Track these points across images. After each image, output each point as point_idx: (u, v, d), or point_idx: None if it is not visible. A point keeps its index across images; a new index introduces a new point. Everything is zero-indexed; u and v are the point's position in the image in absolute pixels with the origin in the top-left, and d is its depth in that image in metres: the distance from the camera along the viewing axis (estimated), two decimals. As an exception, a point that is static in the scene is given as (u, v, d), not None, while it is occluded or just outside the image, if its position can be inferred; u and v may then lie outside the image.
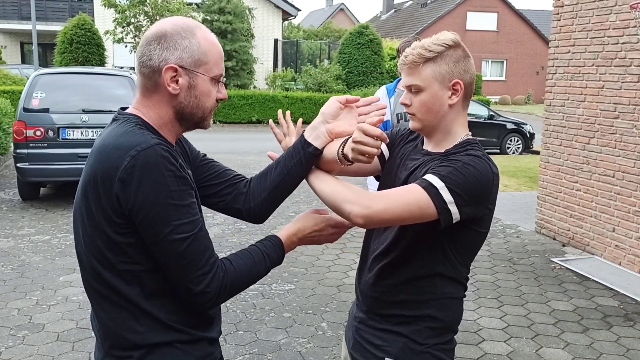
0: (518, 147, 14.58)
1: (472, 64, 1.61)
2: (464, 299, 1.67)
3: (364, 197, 1.47)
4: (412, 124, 1.63)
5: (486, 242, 6.19)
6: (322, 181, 1.58)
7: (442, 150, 1.60)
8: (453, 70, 1.56)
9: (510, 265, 5.45)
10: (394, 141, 1.78)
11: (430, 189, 1.45)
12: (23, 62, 27.45)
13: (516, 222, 7.08)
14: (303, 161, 1.59)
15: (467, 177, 1.46)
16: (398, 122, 3.69)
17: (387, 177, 1.72)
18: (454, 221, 1.47)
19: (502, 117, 15.05)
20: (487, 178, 1.49)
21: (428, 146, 1.66)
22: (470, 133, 1.64)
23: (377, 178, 1.82)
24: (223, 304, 4.09)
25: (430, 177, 1.47)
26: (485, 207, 1.52)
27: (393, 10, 43.24)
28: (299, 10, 29.03)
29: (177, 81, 1.38)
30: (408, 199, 1.45)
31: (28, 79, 18.50)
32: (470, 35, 34.46)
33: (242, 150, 13.07)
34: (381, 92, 3.76)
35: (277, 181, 1.59)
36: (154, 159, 1.28)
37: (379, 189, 1.71)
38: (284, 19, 29.05)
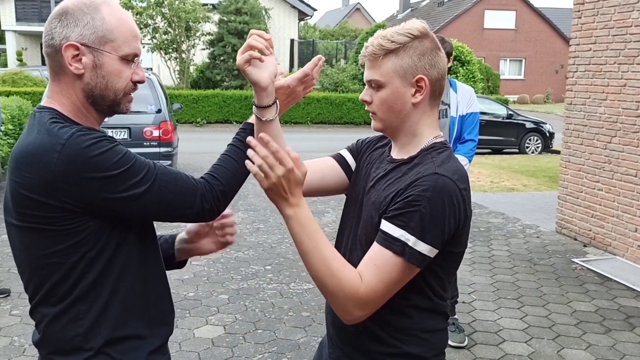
0: (537, 147, 14.44)
1: (442, 58, 1.42)
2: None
3: (359, 301, 1.32)
4: (373, 124, 1.48)
5: (505, 243, 6.14)
6: (316, 255, 1.33)
7: (406, 157, 1.45)
8: (417, 64, 1.38)
9: (531, 266, 5.39)
10: (360, 149, 1.64)
11: (406, 251, 1.30)
12: (43, 63, 27.76)
13: (536, 222, 7.01)
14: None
15: (435, 213, 1.31)
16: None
17: (354, 189, 1.58)
18: (432, 257, 1.34)
19: (521, 116, 14.92)
20: (453, 200, 1.33)
21: (394, 152, 1.50)
22: (440, 134, 1.48)
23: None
24: (242, 303, 4.05)
25: (398, 232, 1.31)
26: (459, 227, 1.37)
27: (410, 10, 43.06)
28: (315, 10, 29.06)
29: (80, 60, 1.29)
30: (393, 276, 1.32)
31: (48, 80, 18.81)
32: (488, 34, 34.23)
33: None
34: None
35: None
36: (79, 144, 1.23)
37: (346, 202, 1.60)
38: (300, 19, 29.09)
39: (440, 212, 1.31)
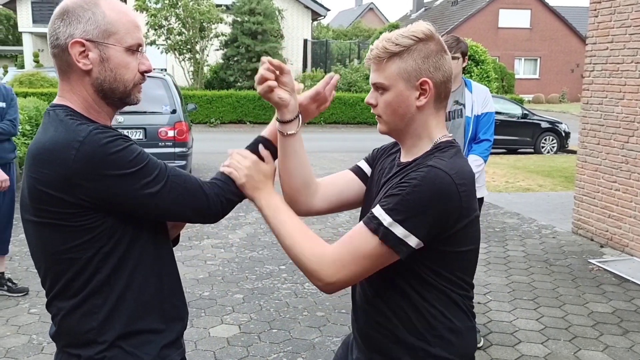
0: (553, 147, 14.32)
1: (447, 60, 1.41)
2: (478, 302, 1.58)
3: (324, 264, 1.35)
4: (378, 127, 1.48)
5: (521, 243, 6.10)
6: (284, 232, 1.43)
7: (411, 159, 1.44)
8: (421, 67, 1.37)
9: (547, 267, 5.35)
10: (375, 157, 1.65)
11: (381, 230, 1.30)
12: (59, 65, 28.08)
13: (552, 223, 6.95)
14: None
15: (418, 200, 1.29)
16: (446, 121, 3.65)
17: (368, 196, 1.59)
18: (416, 248, 1.32)
19: (537, 115, 14.80)
20: (444, 192, 1.30)
21: (402, 156, 1.50)
22: (448, 134, 1.47)
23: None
24: (257, 303, 4.05)
25: (378, 212, 1.32)
26: (450, 223, 1.33)
27: (423, 9, 42.90)
28: (328, 10, 29.04)
29: (87, 56, 1.31)
30: (362, 252, 1.33)
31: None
32: (502, 33, 34.00)
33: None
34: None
35: None
36: (98, 141, 1.26)
37: (362, 207, 1.61)
38: (313, 19, 29.09)
39: (425, 201, 1.29)
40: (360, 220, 1.51)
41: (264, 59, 1.43)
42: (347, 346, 1.67)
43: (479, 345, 3.69)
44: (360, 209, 1.66)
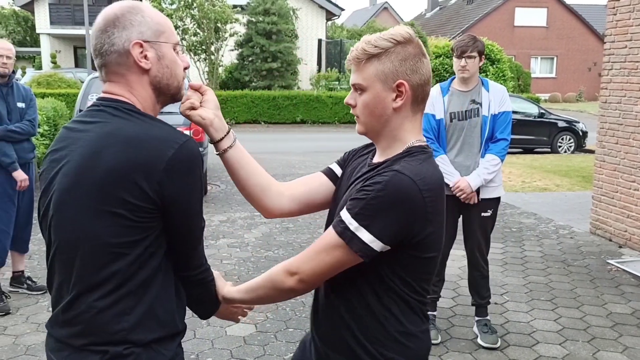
0: (570, 146, 14.17)
1: (425, 64, 1.43)
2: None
3: (290, 260, 1.43)
4: (357, 127, 1.50)
5: (538, 244, 6.05)
6: (259, 286, 1.52)
7: (382, 160, 1.46)
8: (398, 69, 1.39)
9: (564, 267, 5.30)
10: (346, 159, 1.68)
11: (346, 234, 1.34)
12: (76, 65, 28.41)
13: (569, 223, 6.88)
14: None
15: (381, 205, 1.31)
16: (451, 121, 3.64)
17: (336, 195, 1.62)
18: (379, 251, 1.34)
19: (553, 115, 14.65)
20: (407, 198, 1.32)
21: (376, 156, 1.52)
22: (424, 140, 1.47)
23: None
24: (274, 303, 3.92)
25: (345, 216, 1.35)
26: (416, 229, 1.35)
27: (438, 8, 42.71)
28: (342, 9, 29.03)
29: (145, 56, 1.40)
30: (328, 255, 1.37)
31: (81, 81, 19.12)
32: (518, 32, 33.75)
33: (286, 150, 13.16)
34: (435, 90, 3.72)
35: None
36: (194, 152, 1.36)
37: (330, 207, 1.63)
38: (327, 19, 29.10)
39: (388, 206, 1.32)
40: (328, 217, 1.61)
41: (189, 84, 1.54)
42: (304, 345, 1.68)
43: (496, 346, 3.67)
44: None
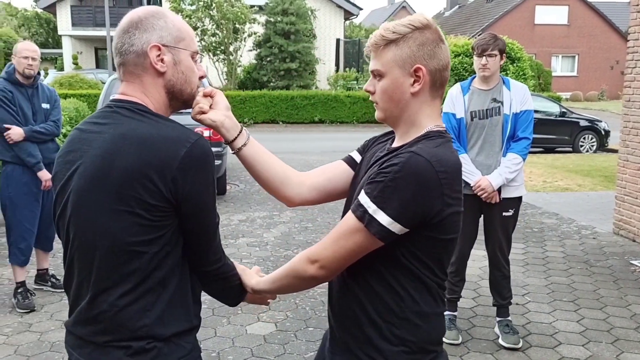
0: (592, 145, 13.98)
1: (444, 50, 1.44)
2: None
3: (311, 248, 1.45)
4: (376, 114, 1.52)
5: (560, 244, 5.98)
6: (283, 276, 1.54)
7: (400, 145, 1.47)
8: (416, 54, 1.41)
9: (587, 268, 5.24)
10: (366, 146, 1.69)
11: (365, 217, 1.35)
12: (97, 66, 28.77)
13: (592, 223, 6.80)
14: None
15: (399, 187, 1.32)
16: (472, 120, 3.62)
17: (355, 180, 1.63)
18: (399, 234, 1.35)
19: (575, 113, 14.47)
20: (424, 179, 1.32)
21: (395, 142, 1.53)
22: (442, 125, 1.48)
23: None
24: (292, 301, 4.08)
25: (363, 199, 1.36)
26: (434, 209, 1.35)
27: (457, 6, 42.42)
28: (360, 9, 29.00)
29: (162, 59, 1.43)
30: (348, 240, 1.38)
31: (102, 82, 19.33)
32: (539, 30, 33.39)
33: (305, 150, 13.19)
34: (455, 89, 3.70)
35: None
36: (206, 150, 1.39)
37: (349, 191, 1.63)
38: (345, 19, 29.09)
39: (405, 187, 1.32)
40: (346, 202, 1.62)
41: (200, 90, 1.58)
42: (323, 340, 1.70)
43: (518, 346, 3.64)
44: None
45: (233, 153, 1.62)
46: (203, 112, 1.56)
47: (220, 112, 1.58)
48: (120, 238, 1.36)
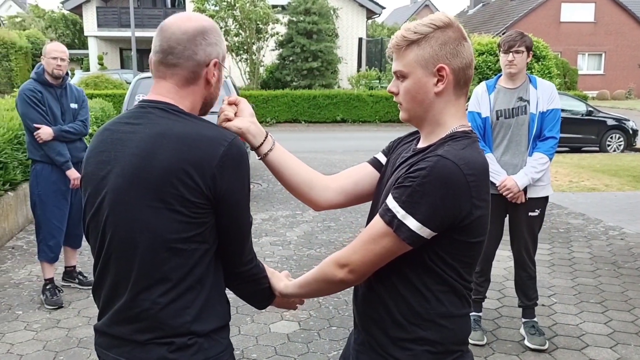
0: (619, 145, 13.74)
1: (467, 48, 1.43)
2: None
3: (333, 258, 1.46)
4: (400, 115, 1.52)
5: (587, 245, 5.89)
6: (311, 281, 1.56)
7: (426, 146, 1.46)
8: (438, 53, 1.40)
9: (615, 269, 5.15)
10: (391, 148, 1.69)
11: (394, 222, 1.35)
12: (122, 67, 29.14)
13: (620, 224, 6.68)
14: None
15: (428, 191, 1.32)
16: (497, 119, 3.58)
17: (380, 182, 1.63)
18: (428, 238, 1.35)
19: (602, 112, 14.23)
20: (452, 183, 1.32)
21: (420, 142, 1.52)
22: (468, 125, 1.47)
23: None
24: (316, 300, 4.09)
25: (391, 204, 1.36)
26: (463, 213, 1.35)
27: (481, 5, 41.99)
28: (383, 8, 28.89)
29: (214, 74, 1.50)
30: (377, 244, 1.39)
31: (127, 82, 19.57)
32: (564, 28, 32.90)
33: (327, 150, 13.19)
34: (481, 88, 3.66)
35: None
36: (242, 150, 1.42)
37: (375, 192, 1.64)
38: (368, 18, 29.02)
39: (434, 192, 1.32)
40: (372, 204, 1.62)
41: (224, 98, 1.64)
42: (349, 340, 1.70)
43: (544, 348, 3.59)
44: None
45: (259, 159, 1.65)
46: (228, 120, 1.59)
47: (246, 119, 1.61)
48: (161, 235, 1.38)
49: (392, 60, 1.48)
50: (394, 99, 1.51)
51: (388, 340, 1.47)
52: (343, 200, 1.70)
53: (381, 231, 1.38)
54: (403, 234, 1.35)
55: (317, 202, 1.69)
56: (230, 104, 1.62)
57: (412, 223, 1.34)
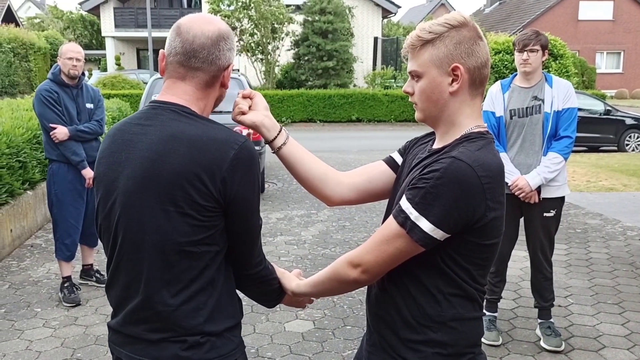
0: (638, 144, 13.56)
1: (482, 47, 1.42)
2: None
3: (345, 258, 1.46)
4: (415, 115, 1.51)
5: (604, 245, 5.82)
6: (324, 279, 1.55)
7: (441, 147, 1.46)
8: (452, 53, 1.39)
9: (633, 270, 5.08)
10: (407, 148, 1.68)
11: (407, 223, 1.35)
12: (139, 67, 29.39)
13: (638, 224, 6.59)
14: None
15: (441, 193, 1.31)
16: (511, 118, 3.56)
17: (396, 183, 1.62)
18: (441, 239, 1.35)
19: (620, 111, 14.05)
20: (466, 185, 1.31)
21: (435, 143, 1.52)
22: (484, 125, 1.46)
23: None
24: (330, 300, 4.09)
25: (405, 205, 1.36)
26: (477, 215, 1.34)
27: (498, 3, 41.65)
28: (398, 7, 28.80)
29: (229, 77, 1.55)
30: (390, 245, 1.38)
31: (144, 82, 19.71)
32: (582, 26, 32.52)
33: (342, 149, 13.18)
34: (495, 87, 3.64)
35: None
36: (253, 153, 1.44)
37: (391, 194, 1.63)
38: (383, 17, 28.94)
39: (447, 193, 1.31)
40: (388, 204, 1.61)
41: (239, 92, 1.63)
42: (362, 340, 1.70)
43: (560, 349, 3.56)
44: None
45: (273, 152, 1.66)
46: (243, 113, 1.61)
47: (260, 113, 1.62)
48: (172, 238, 1.39)
49: (407, 60, 1.48)
50: (410, 99, 1.50)
51: (399, 342, 1.47)
52: (355, 196, 1.70)
53: (394, 232, 1.37)
54: (416, 236, 1.34)
55: (330, 197, 1.70)
56: (244, 97, 1.63)
57: (425, 225, 1.33)
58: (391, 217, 1.40)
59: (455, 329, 1.43)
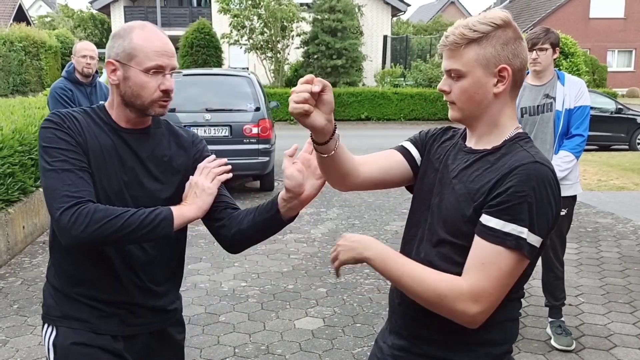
0: (650, 143, 13.46)
1: (524, 48, 1.40)
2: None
3: (460, 298, 1.31)
4: (450, 114, 1.45)
5: (616, 244, 5.79)
6: (407, 288, 1.39)
7: (489, 147, 1.42)
8: (500, 53, 1.36)
9: (644, 269, 5.06)
10: (425, 142, 1.60)
11: (524, 245, 1.29)
12: (149, 66, 29.47)
13: (650, 223, 6.55)
14: (272, 222, 1.70)
15: (541, 204, 1.29)
16: (522, 116, 3.55)
17: (425, 182, 1.54)
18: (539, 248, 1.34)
19: (632, 110, 13.95)
20: (554, 187, 1.32)
21: (470, 142, 1.47)
22: (519, 126, 1.44)
23: (408, 189, 1.64)
24: (340, 297, 4.10)
25: (509, 228, 1.29)
26: (557, 214, 1.35)
27: (508, 1, 41.45)
28: (408, 5, 28.74)
29: (115, 73, 1.61)
30: (504, 271, 1.30)
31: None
32: (594, 24, 32.26)
33: (351, 147, 12.91)
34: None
35: (247, 227, 1.70)
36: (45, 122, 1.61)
37: (415, 196, 1.57)
38: (393, 15, 28.89)
39: (545, 201, 1.30)
40: (415, 207, 1.54)
41: (309, 78, 1.34)
42: (376, 343, 1.66)
43: (571, 348, 3.55)
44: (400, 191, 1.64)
45: (320, 156, 1.48)
46: (307, 114, 1.34)
47: (324, 117, 1.37)
48: (177, 237, 1.82)
49: (441, 58, 1.44)
50: (445, 98, 1.45)
51: (444, 345, 1.43)
52: (367, 185, 1.60)
53: (514, 260, 1.31)
54: (528, 252, 1.31)
55: (345, 187, 1.59)
56: (308, 83, 1.33)
57: (533, 239, 1.31)
58: (489, 244, 1.31)
59: (507, 328, 1.44)
